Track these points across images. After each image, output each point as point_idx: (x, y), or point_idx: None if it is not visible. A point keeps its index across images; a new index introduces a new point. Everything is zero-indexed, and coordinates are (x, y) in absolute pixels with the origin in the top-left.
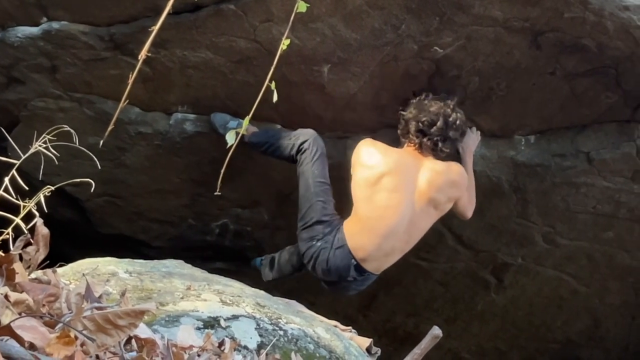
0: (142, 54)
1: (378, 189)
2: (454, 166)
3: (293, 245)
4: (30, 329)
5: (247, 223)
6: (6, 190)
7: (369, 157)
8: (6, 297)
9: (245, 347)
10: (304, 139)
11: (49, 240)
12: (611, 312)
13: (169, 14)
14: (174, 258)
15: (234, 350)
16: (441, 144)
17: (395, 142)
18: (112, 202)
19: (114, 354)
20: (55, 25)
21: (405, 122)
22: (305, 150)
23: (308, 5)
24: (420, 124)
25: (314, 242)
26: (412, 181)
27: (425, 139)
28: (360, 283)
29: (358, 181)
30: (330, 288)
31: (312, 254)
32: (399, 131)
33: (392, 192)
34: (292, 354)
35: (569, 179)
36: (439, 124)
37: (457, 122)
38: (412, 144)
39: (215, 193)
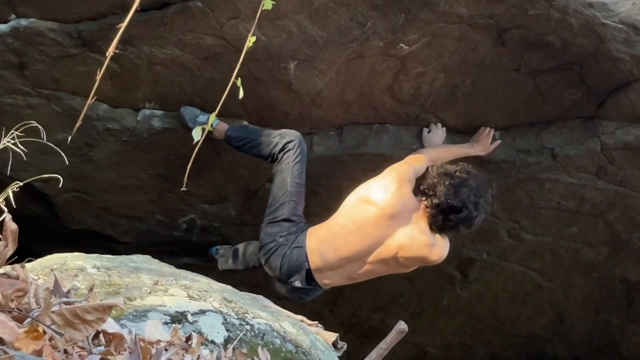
0: (110, 51)
1: (362, 211)
2: (439, 248)
3: (259, 240)
4: None
5: (214, 219)
6: None
7: (384, 185)
8: None
9: (212, 342)
10: (290, 139)
11: (18, 236)
12: (575, 307)
13: (136, 11)
14: (142, 253)
15: (201, 344)
16: (447, 229)
17: (360, 138)
18: (80, 198)
19: (82, 348)
20: (23, 22)
21: (433, 186)
22: (289, 150)
23: (274, 2)
24: (445, 204)
25: (276, 238)
26: (392, 228)
27: (439, 217)
28: (305, 293)
29: (360, 188)
30: (279, 288)
31: (270, 248)
32: (422, 186)
33: (370, 223)
34: (259, 349)
35: (533, 174)
36: (460, 215)
37: (475, 222)
38: (426, 206)
39: (182, 189)
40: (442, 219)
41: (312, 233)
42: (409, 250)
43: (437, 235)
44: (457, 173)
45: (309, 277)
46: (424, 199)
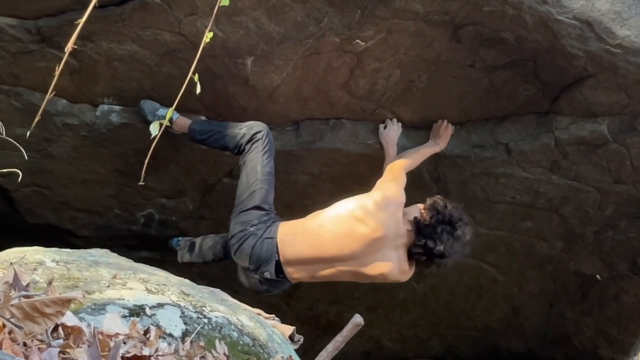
0: (69, 47)
1: (350, 225)
2: (410, 273)
3: (218, 235)
4: None
5: (172, 213)
6: None
7: (380, 207)
8: None
9: (170, 335)
10: (258, 129)
11: None
12: (530, 300)
13: (95, 7)
14: (100, 247)
15: (159, 337)
16: (421, 264)
17: (317, 133)
18: (40, 192)
19: (42, 341)
20: None
21: (432, 229)
22: (258, 140)
23: None
24: (435, 250)
25: (246, 227)
26: (375, 250)
27: (423, 257)
28: (273, 285)
29: (352, 202)
30: (243, 279)
31: (240, 237)
32: (420, 223)
33: (355, 239)
34: (216, 342)
35: (488, 169)
36: (442, 260)
37: (447, 264)
38: (416, 244)
39: (140, 183)
40: (425, 259)
41: (285, 226)
42: (388, 276)
43: (408, 265)
44: (460, 224)
45: (278, 269)
46: (415, 234)
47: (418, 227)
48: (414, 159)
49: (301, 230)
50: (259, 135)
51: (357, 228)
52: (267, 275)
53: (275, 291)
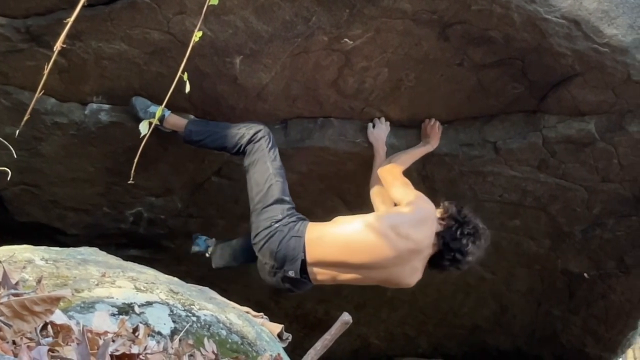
0: (58, 46)
1: (389, 239)
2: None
3: (243, 238)
4: None
5: (160, 211)
6: None
7: (419, 221)
8: None
9: (159, 333)
10: (257, 129)
11: None
12: (517, 298)
13: (84, 6)
14: (89, 245)
15: (148, 335)
16: (442, 271)
17: (305, 132)
18: (29, 191)
19: (31, 339)
20: None
21: (453, 241)
22: (260, 139)
23: None
24: (463, 261)
25: (272, 223)
26: (407, 260)
27: (450, 267)
28: (295, 285)
29: (394, 217)
30: (265, 277)
31: (266, 234)
32: (447, 235)
33: (392, 251)
34: (205, 340)
35: (476, 168)
36: (463, 266)
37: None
38: (447, 258)
39: (129, 182)
40: (447, 266)
41: (314, 227)
42: (411, 284)
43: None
44: (482, 232)
45: (303, 268)
46: (442, 247)
47: (445, 241)
48: (407, 160)
49: (333, 234)
50: (260, 134)
51: (396, 242)
52: (291, 274)
53: (295, 291)
